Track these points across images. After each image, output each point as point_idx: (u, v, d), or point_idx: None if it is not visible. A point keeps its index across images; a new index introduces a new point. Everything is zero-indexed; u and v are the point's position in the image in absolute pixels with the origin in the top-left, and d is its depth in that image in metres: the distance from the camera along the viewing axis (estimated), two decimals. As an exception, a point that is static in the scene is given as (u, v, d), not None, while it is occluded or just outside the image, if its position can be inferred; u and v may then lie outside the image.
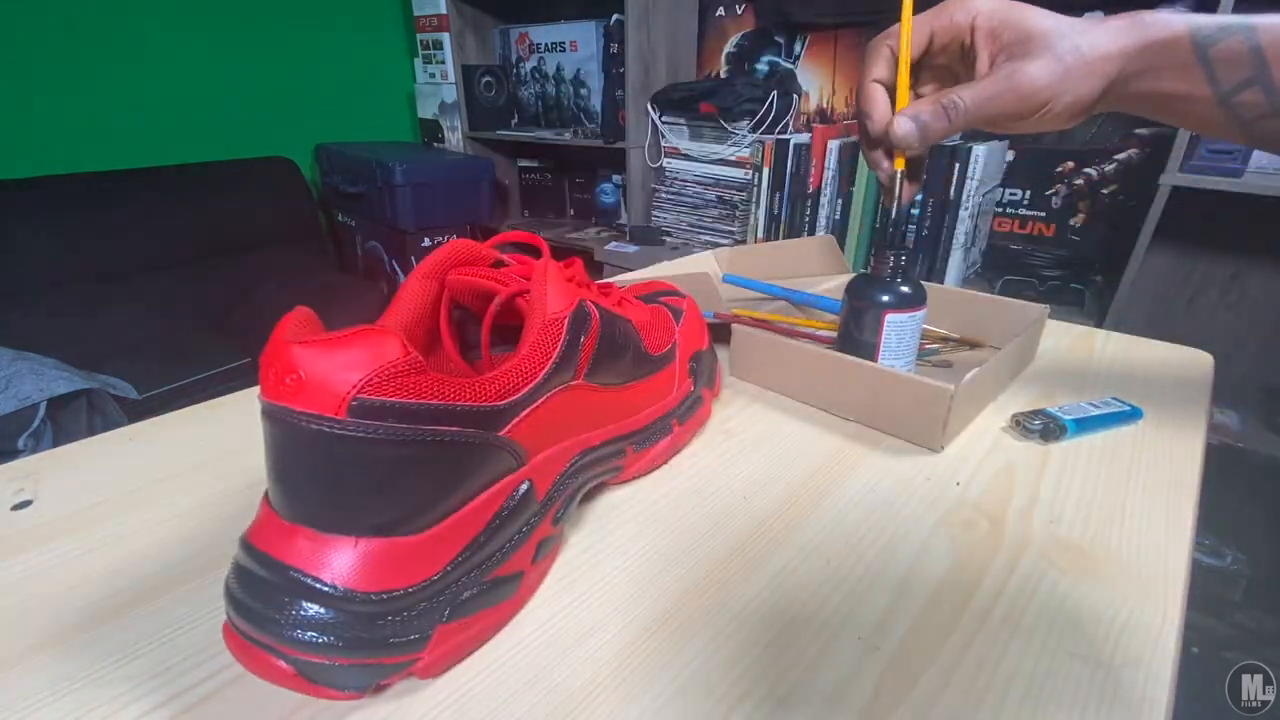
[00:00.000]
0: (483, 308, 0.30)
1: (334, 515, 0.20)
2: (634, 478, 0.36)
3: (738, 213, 1.55)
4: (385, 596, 0.21)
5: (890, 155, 0.38)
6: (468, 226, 1.98)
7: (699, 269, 0.60)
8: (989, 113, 0.33)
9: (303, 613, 0.20)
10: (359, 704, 0.23)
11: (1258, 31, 0.29)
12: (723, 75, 1.72)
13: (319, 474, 0.20)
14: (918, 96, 0.38)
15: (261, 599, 0.20)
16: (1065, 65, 0.31)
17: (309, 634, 0.20)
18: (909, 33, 0.35)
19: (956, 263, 1.28)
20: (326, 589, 0.20)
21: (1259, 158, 1.04)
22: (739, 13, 1.65)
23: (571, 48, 1.90)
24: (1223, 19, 0.30)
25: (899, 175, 0.38)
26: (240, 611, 0.20)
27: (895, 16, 0.36)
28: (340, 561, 0.20)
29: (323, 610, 0.20)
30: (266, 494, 0.22)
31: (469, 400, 0.22)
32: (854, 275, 0.44)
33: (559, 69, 1.96)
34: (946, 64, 0.37)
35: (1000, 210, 1.39)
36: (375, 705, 0.23)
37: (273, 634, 0.20)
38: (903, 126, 0.35)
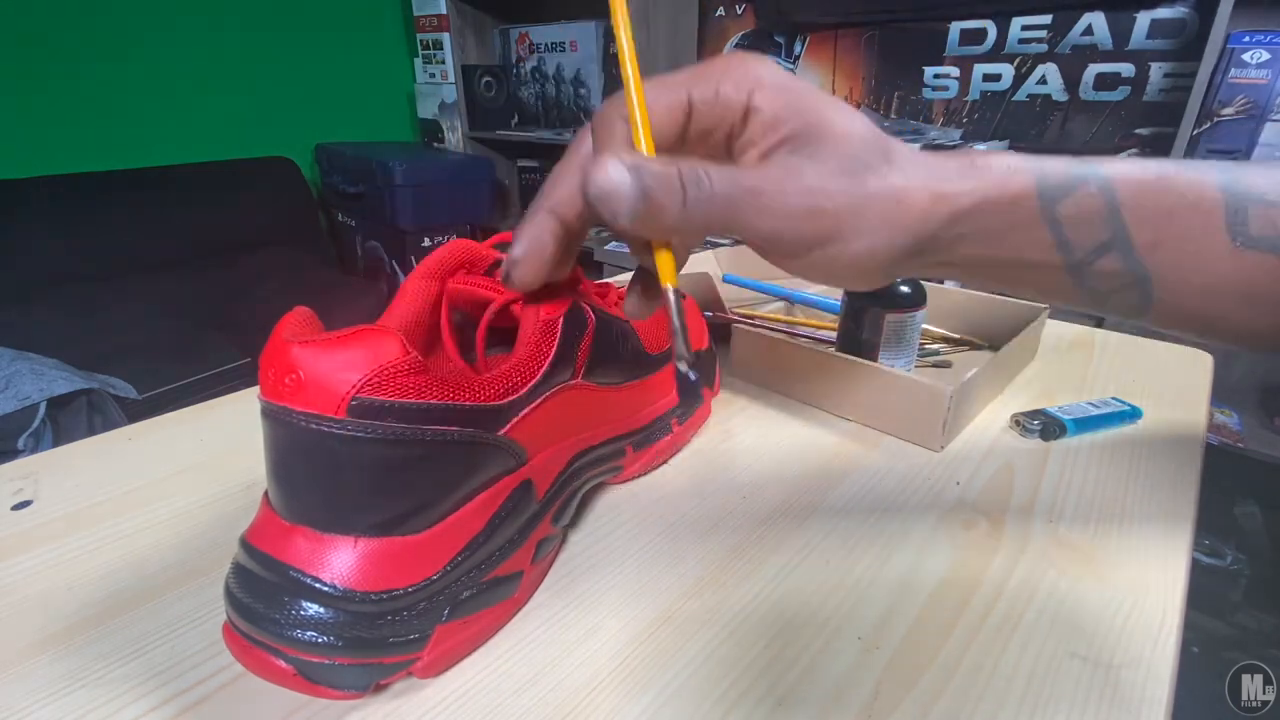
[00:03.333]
0: (480, 313, 0.30)
1: (333, 515, 0.20)
2: (634, 477, 0.36)
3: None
4: (385, 596, 0.21)
5: (647, 246, 0.23)
6: (468, 226, 1.98)
7: (699, 269, 0.60)
8: (746, 218, 0.21)
9: (302, 612, 0.20)
10: (359, 704, 0.23)
11: (1113, 183, 0.23)
12: (723, 75, 1.72)
13: (318, 474, 0.20)
14: None
15: (261, 599, 0.20)
16: (866, 193, 0.21)
17: (309, 634, 0.20)
18: (627, 31, 0.23)
19: (956, 263, 1.28)
20: (326, 589, 0.20)
21: (1260, 155, 1.04)
22: (739, 13, 1.65)
23: (571, 48, 1.90)
24: (1071, 166, 0.23)
25: (671, 293, 0.22)
26: (240, 611, 0.20)
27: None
28: (340, 561, 0.20)
29: (322, 610, 0.20)
30: (266, 494, 0.22)
31: (468, 400, 0.22)
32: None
33: (559, 69, 1.96)
34: (708, 155, 0.23)
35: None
36: (375, 705, 0.23)
37: (272, 634, 0.20)
38: (613, 173, 0.20)
